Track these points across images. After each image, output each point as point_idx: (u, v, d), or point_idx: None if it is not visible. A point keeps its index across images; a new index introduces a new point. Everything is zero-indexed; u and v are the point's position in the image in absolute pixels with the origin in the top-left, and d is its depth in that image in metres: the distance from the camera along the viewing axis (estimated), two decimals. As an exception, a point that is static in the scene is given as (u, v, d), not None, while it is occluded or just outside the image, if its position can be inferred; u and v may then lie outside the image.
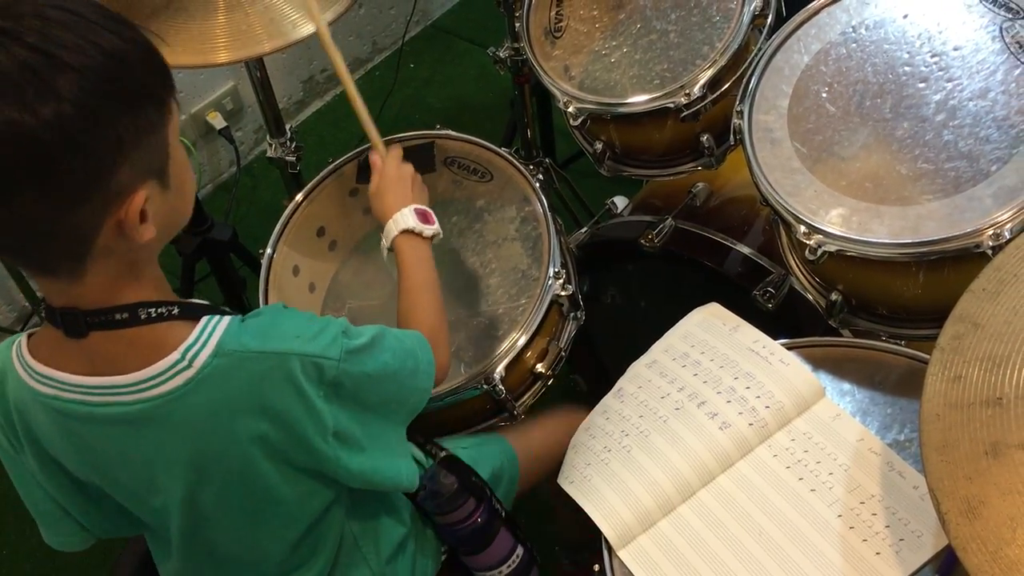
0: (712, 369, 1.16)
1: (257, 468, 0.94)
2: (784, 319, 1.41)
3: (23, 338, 0.94)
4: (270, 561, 1.05)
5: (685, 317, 1.25)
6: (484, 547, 1.16)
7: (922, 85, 1.20)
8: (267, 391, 0.90)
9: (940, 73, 1.20)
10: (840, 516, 1.00)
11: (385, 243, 1.26)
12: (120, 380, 0.89)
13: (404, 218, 1.24)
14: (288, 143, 1.75)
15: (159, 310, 0.89)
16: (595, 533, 1.05)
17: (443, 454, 1.16)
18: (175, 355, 0.88)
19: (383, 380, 1.00)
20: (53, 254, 0.84)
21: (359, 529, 1.11)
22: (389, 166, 1.33)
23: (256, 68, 1.64)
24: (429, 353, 1.08)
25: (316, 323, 0.96)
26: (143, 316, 0.88)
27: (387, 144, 1.40)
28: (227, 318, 0.92)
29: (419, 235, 1.24)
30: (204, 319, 0.90)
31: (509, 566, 1.18)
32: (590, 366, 1.87)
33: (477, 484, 1.14)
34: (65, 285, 0.87)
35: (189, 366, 0.88)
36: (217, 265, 1.95)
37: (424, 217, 1.26)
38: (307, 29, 1.39)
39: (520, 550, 1.18)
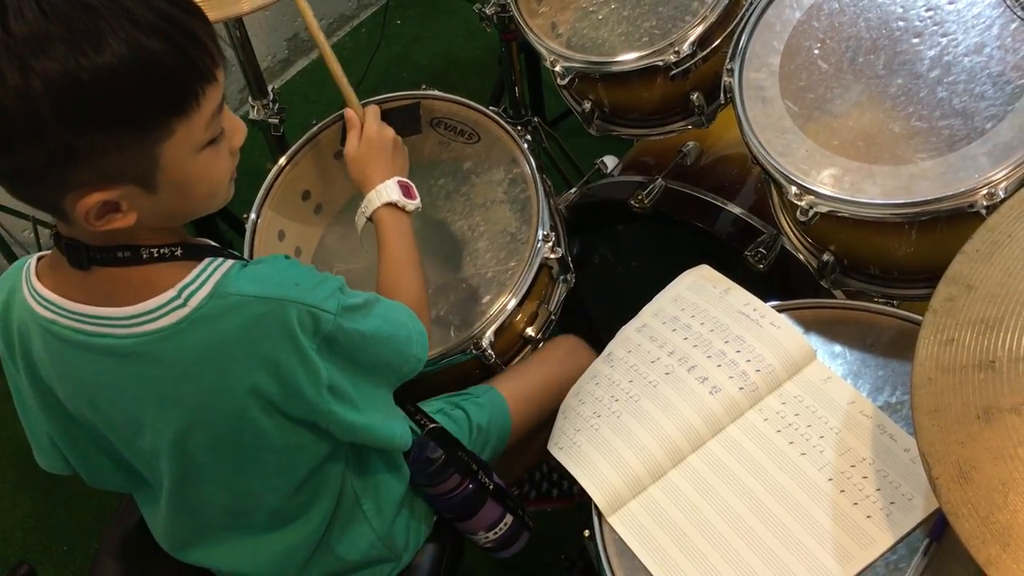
0: (703, 333, 1.15)
1: (250, 417, 0.94)
2: (775, 280, 1.40)
3: (33, 260, 0.94)
4: (262, 510, 1.05)
5: (675, 280, 1.24)
6: (471, 516, 1.16)
7: (916, 40, 1.17)
8: (262, 338, 0.90)
9: (935, 28, 1.17)
10: (831, 480, 1.00)
11: (365, 213, 1.24)
12: (115, 312, 0.89)
13: (388, 191, 1.22)
14: (271, 105, 1.72)
15: (161, 250, 0.89)
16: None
17: (432, 426, 1.15)
18: (171, 292, 0.88)
19: (377, 342, 1.00)
20: (40, 204, 0.84)
21: (360, 485, 1.10)
22: (370, 127, 1.29)
23: (235, 28, 1.60)
24: (420, 324, 1.07)
25: (316, 275, 0.96)
26: (145, 256, 0.88)
27: (365, 105, 1.36)
28: (229, 261, 0.91)
29: (402, 209, 1.23)
30: (206, 260, 0.90)
31: (496, 532, 1.18)
32: (580, 327, 1.86)
33: (463, 459, 1.14)
34: (65, 223, 0.87)
35: (184, 304, 0.88)
36: (202, 228, 1.93)
37: (407, 191, 1.24)
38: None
39: (509, 519, 1.18)
